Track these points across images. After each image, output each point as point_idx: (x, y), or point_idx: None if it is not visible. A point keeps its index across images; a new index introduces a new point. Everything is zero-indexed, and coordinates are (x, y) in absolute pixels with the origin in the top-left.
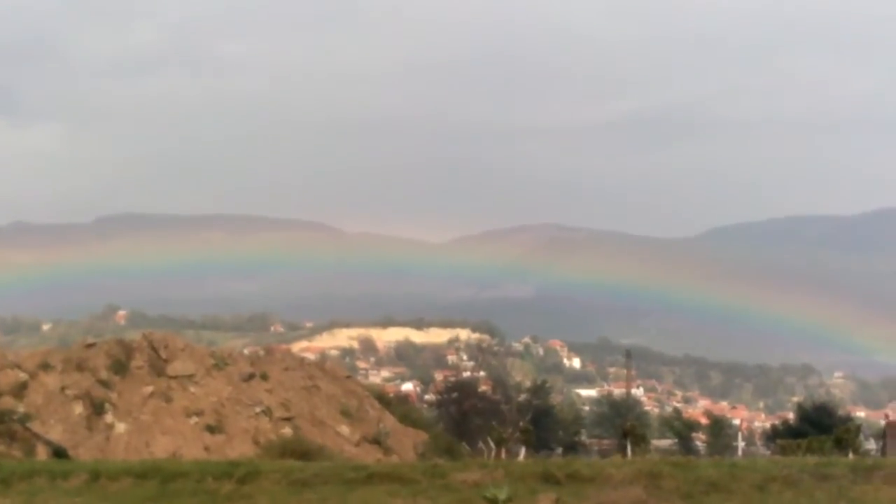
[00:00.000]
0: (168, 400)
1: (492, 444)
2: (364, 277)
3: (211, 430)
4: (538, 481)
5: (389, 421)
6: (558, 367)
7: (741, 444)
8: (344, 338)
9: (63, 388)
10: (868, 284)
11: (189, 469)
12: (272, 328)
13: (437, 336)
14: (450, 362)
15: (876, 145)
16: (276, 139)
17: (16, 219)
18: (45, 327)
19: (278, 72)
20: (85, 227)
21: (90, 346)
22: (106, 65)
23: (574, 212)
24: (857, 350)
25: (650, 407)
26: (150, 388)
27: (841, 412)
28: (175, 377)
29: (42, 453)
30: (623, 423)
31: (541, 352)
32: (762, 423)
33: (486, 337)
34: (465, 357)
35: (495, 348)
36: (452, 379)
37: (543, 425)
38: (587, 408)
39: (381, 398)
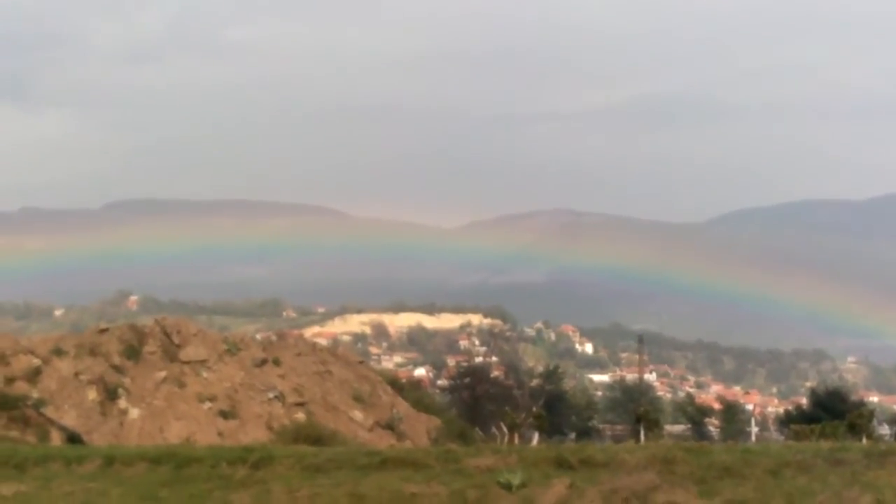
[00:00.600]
0: (181, 385)
1: (505, 430)
2: (375, 263)
3: (224, 415)
4: (551, 466)
5: (402, 406)
6: (570, 353)
7: (754, 429)
8: (356, 323)
9: (76, 374)
10: (880, 269)
11: (203, 454)
12: (284, 313)
13: (449, 321)
14: (462, 347)
15: (886, 130)
16: (285, 125)
17: (26, 205)
18: (58, 313)
19: (287, 57)
20: (95, 212)
21: (103, 331)
22: (115, 51)
23: (586, 197)
24: (869, 335)
25: (663, 392)
26: (163, 374)
27: (854, 397)
28: (188, 362)
29: (56, 439)
30: (636, 409)
31: (553, 337)
32: (775, 408)
33: (498, 322)
34: (477, 342)
35: (507, 333)
36: (465, 364)
37: (556, 410)
38: (600, 393)
39: (394, 383)
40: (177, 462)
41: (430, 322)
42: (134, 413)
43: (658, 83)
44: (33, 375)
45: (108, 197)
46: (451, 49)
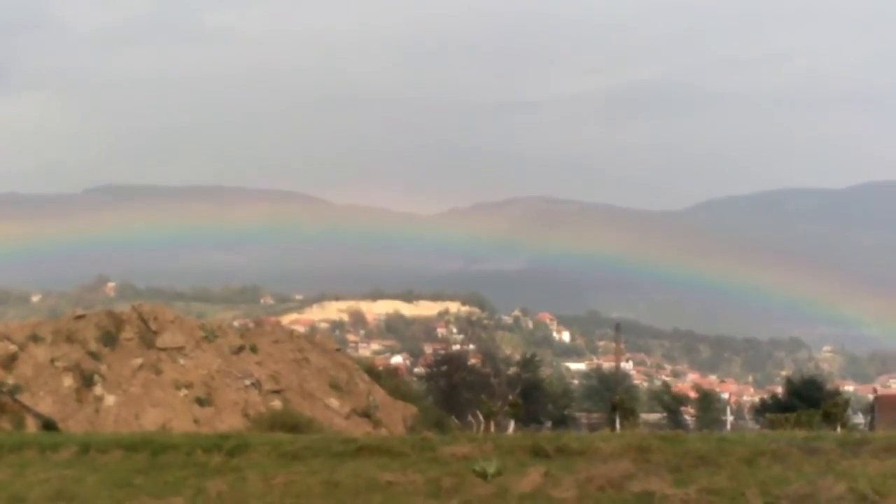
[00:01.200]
0: (158, 372)
1: (481, 418)
2: (353, 250)
3: (200, 402)
4: (527, 455)
5: (379, 394)
6: (548, 341)
7: (730, 417)
8: (333, 310)
9: (53, 360)
10: (857, 258)
11: (178, 441)
12: (262, 300)
13: (426, 309)
14: (439, 335)
15: (864, 120)
16: (265, 111)
17: (5, 189)
18: (35, 298)
19: (269, 44)
20: (74, 198)
21: (80, 317)
22: (96, 36)
23: (564, 185)
24: (845, 324)
25: (639, 380)
26: (139, 361)
27: (829, 386)
28: (165, 349)
29: (31, 425)
30: (612, 397)
31: (530, 325)
32: (751, 396)
33: (475, 310)
34: (454, 330)
35: (485, 321)
36: (442, 352)
37: (533, 399)
38: (576, 381)
39: (371, 371)
40: (152, 449)
41: (407, 310)
42: (110, 400)
43: (636, 72)
44: (9, 362)
45: (88, 182)
46: (430, 38)
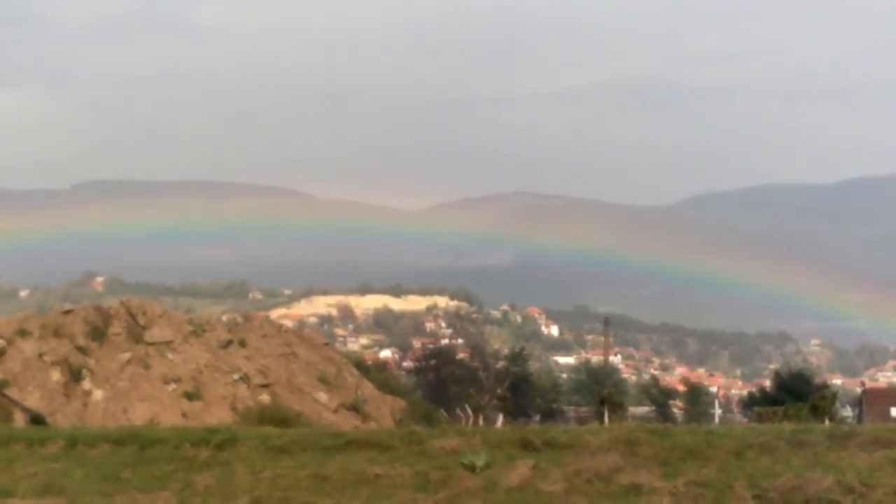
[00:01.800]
0: (146, 367)
1: (469, 411)
2: (341, 245)
3: (189, 396)
4: (515, 448)
5: (367, 388)
6: (536, 335)
7: (718, 411)
8: (322, 305)
9: (41, 355)
10: (844, 252)
11: (167, 435)
12: (250, 295)
13: (415, 303)
14: (428, 330)
15: (851, 115)
16: (253, 106)
17: None
18: (23, 293)
19: (254, 38)
20: (62, 193)
21: (68, 312)
22: (83, 30)
23: (551, 180)
24: (833, 317)
25: (627, 374)
26: (127, 355)
27: (817, 380)
28: (153, 344)
29: (19, 420)
30: (600, 391)
31: (518, 319)
32: (739, 390)
33: (464, 304)
34: (443, 324)
35: (473, 316)
36: (430, 346)
37: (521, 392)
38: (565, 375)
39: (359, 365)
40: (140, 443)
41: (396, 304)
42: (98, 394)
43: (622, 66)
44: None
45: (75, 178)
46: (415, 34)
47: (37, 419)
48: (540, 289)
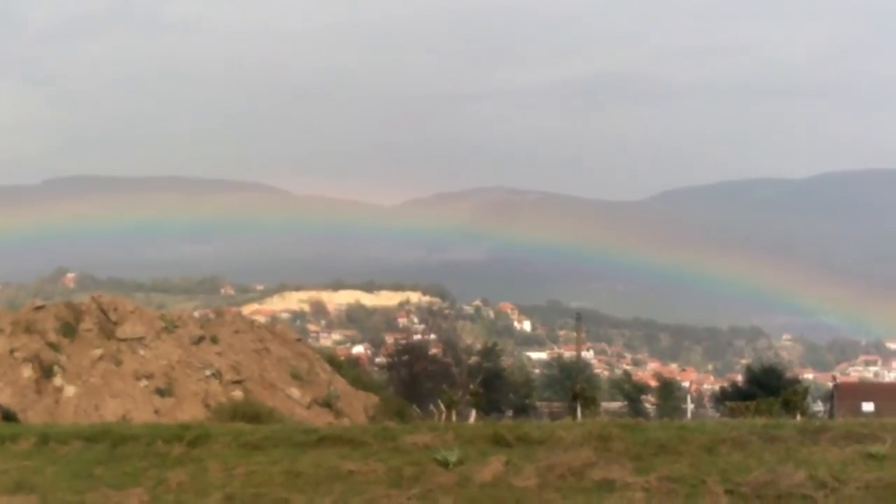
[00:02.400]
0: (118, 363)
1: (442, 407)
2: (314, 240)
3: (161, 393)
4: (488, 444)
5: (340, 384)
6: (509, 330)
7: (690, 406)
8: (294, 300)
9: (12, 351)
10: (816, 247)
11: (139, 432)
12: (222, 291)
13: (387, 299)
14: (401, 325)
15: (823, 109)
16: (225, 102)
17: None
18: None
19: (229, 34)
20: (34, 188)
21: (39, 308)
22: (56, 27)
23: (525, 175)
24: (805, 312)
25: (600, 369)
26: (99, 352)
27: (789, 374)
28: (124, 340)
29: None
30: (573, 386)
31: (491, 314)
32: (711, 385)
33: (436, 300)
34: (415, 320)
35: (446, 311)
36: (403, 342)
37: (494, 388)
38: (537, 370)
39: (332, 361)
40: (112, 440)
41: (368, 300)
42: (70, 391)
43: (597, 62)
44: None
45: (47, 174)
46: (389, 30)
47: (8, 416)
48: (513, 284)
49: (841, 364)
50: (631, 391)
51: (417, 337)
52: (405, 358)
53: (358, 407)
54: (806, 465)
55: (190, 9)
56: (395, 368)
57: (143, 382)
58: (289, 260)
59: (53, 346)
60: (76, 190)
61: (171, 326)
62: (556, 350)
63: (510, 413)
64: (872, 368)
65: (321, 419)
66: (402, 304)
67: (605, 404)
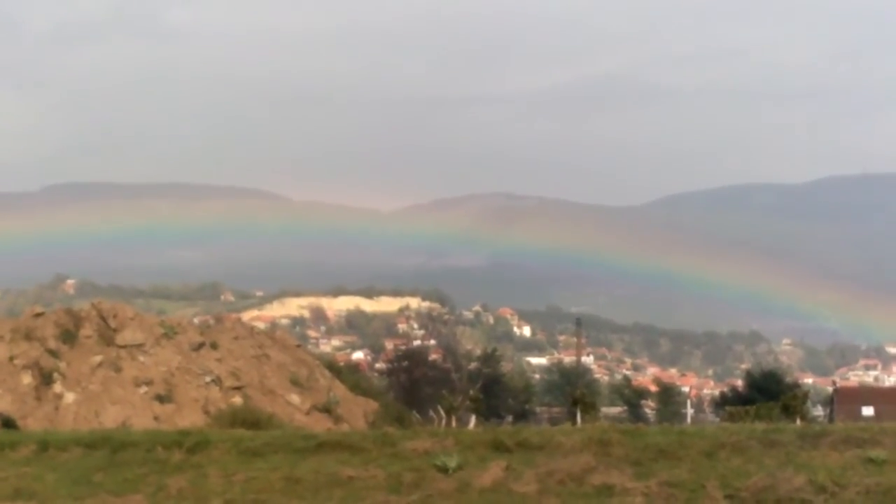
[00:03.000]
0: (117, 369)
1: (442, 413)
2: (313, 246)
3: (160, 399)
4: (488, 449)
5: (340, 390)
6: (508, 336)
7: (690, 411)
8: (294, 306)
9: (11, 358)
10: (815, 252)
11: (138, 439)
12: (222, 297)
13: (387, 305)
14: (400, 331)
15: (824, 114)
16: (224, 108)
17: None
18: None
19: (225, 39)
20: (32, 195)
21: (38, 315)
22: (53, 32)
23: (524, 180)
24: (804, 317)
25: (600, 374)
26: (99, 358)
27: (789, 379)
28: (124, 347)
29: None
30: (573, 391)
31: (491, 320)
32: (711, 390)
33: (436, 305)
34: (415, 326)
35: (445, 317)
36: (403, 347)
37: (493, 393)
38: (537, 376)
39: (332, 367)
40: (112, 447)
41: (368, 305)
42: (69, 397)
43: (595, 66)
44: None
45: (46, 180)
46: (388, 35)
47: (7, 423)
48: (512, 289)
49: (841, 368)
50: (631, 396)
51: (417, 343)
52: (405, 364)
53: (357, 413)
54: (806, 470)
55: (187, 15)
56: (395, 374)
57: (143, 389)
58: (288, 266)
59: (53, 353)
60: (75, 196)
61: (170, 333)
62: (556, 355)
63: (510, 418)
64: (872, 373)
65: (321, 425)
66: (401, 310)
67: (604, 409)
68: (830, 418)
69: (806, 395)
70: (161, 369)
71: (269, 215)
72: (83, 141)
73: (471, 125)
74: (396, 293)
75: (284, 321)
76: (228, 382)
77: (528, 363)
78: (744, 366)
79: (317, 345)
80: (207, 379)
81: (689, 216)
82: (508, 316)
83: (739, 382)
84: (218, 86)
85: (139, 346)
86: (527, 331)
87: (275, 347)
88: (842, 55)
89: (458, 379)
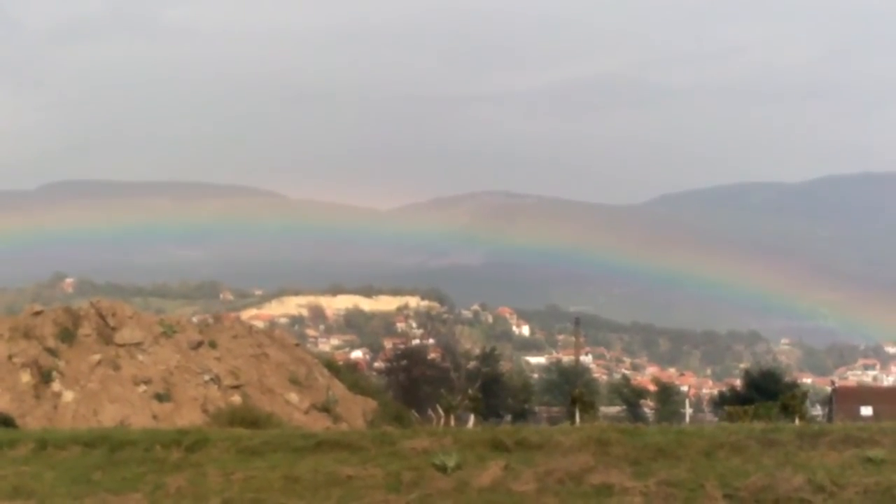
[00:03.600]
0: (116, 368)
1: (441, 412)
2: (312, 245)
3: (159, 398)
4: (487, 448)
5: (338, 389)
6: (507, 335)
7: (689, 410)
8: (293, 305)
9: (10, 357)
10: (814, 251)
11: (137, 437)
12: (221, 296)
13: (386, 304)
14: (399, 330)
15: (821, 113)
16: (222, 106)
17: None
18: None
19: (224, 39)
20: (30, 194)
21: (37, 313)
22: (51, 31)
23: (523, 179)
24: (803, 317)
25: (599, 374)
26: (97, 357)
27: (787, 378)
28: (123, 345)
29: None
30: (572, 391)
31: (490, 319)
32: (710, 389)
33: (435, 304)
34: (414, 325)
35: (444, 316)
36: (402, 346)
37: (492, 393)
38: (536, 375)
39: (331, 366)
40: (111, 445)
41: (367, 304)
42: (68, 396)
43: (593, 65)
44: None
45: (43, 179)
46: (386, 32)
47: (6, 421)
48: (511, 288)
49: (839, 368)
50: (629, 396)
51: (416, 342)
52: (404, 363)
53: (356, 412)
54: (804, 470)
55: (185, 13)
56: (394, 373)
57: (142, 388)
58: (287, 264)
59: (52, 352)
60: (73, 195)
61: (169, 331)
62: (555, 355)
63: (509, 418)
64: (871, 372)
65: (319, 424)
66: (400, 309)
67: (603, 409)
68: (829, 418)
69: (805, 395)
70: (160, 368)
71: (268, 214)
72: (81, 139)
73: (469, 124)
74: (395, 292)
75: (283, 320)
76: (227, 381)
77: (527, 362)
78: (742, 365)
79: (315, 344)
80: (206, 378)
81: (687, 215)
82: (507, 315)
83: (738, 382)
84: (216, 84)
85: (138, 344)
86: (525, 330)
87: (273, 346)
88: (840, 53)
89: (457, 378)
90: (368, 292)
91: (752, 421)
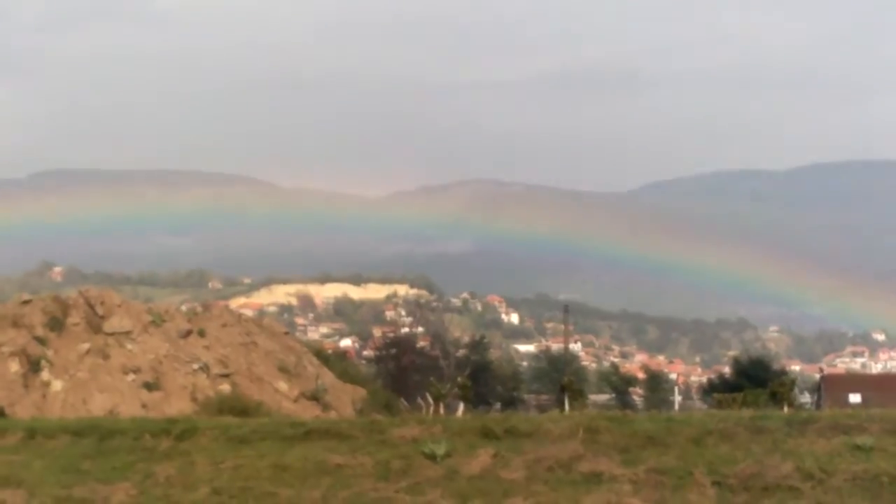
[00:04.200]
0: (105, 357)
1: (430, 400)
2: (301, 233)
3: (148, 387)
4: (476, 436)
5: (328, 377)
6: (496, 323)
7: (678, 398)
8: (282, 294)
9: None
10: (802, 238)
11: (126, 426)
12: (210, 284)
13: (375, 292)
14: (388, 318)
15: (807, 101)
16: (212, 93)
17: None
18: None
19: (214, 25)
20: (19, 182)
21: (26, 302)
22: (38, 18)
23: (511, 167)
24: (791, 304)
25: (588, 362)
26: (86, 346)
27: (776, 366)
28: (112, 334)
29: None
30: (561, 379)
31: (479, 307)
32: (698, 377)
33: (424, 292)
34: (403, 313)
35: (433, 304)
36: (391, 335)
37: (482, 381)
38: (525, 363)
39: (320, 354)
40: (100, 434)
41: (356, 293)
42: (57, 385)
43: (580, 54)
44: None
45: (33, 167)
46: (375, 19)
47: None
48: (500, 276)
49: (828, 355)
50: (618, 383)
51: (405, 330)
52: (393, 351)
53: (345, 400)
54: (793, 457)
55: (175, 1)
56: (383, 361)
57: (131, 376)
58: (276, 253)
59: (40, 341)
60: (62, 183)
61: (158, 320)
62: (544, 343)
63: (498, 406)
64: (860, 360)
65: (309, 413)
66: (389, 297)
67: (592, 397)
68: (818, 405)
69: (793, 382)
70: (149, 357)
71: (256, 202)
72: (71, 128)
73: (458, 112)
74: (384, 280)
75: (272, 308)
76: (216, 370)
77: (516, 350)
78: (731, 353)
79: (304, 332)
80: (195, 366)
81: (676, 203)
82: (496, 303)
83: (727, 369)
84: (206, 72)
85: (127, 333)
86: (515, 318)
87: (262, 335)
88: (829, 41)
89: (447, 366)
90: (357, 280)
91: (740, 408)
